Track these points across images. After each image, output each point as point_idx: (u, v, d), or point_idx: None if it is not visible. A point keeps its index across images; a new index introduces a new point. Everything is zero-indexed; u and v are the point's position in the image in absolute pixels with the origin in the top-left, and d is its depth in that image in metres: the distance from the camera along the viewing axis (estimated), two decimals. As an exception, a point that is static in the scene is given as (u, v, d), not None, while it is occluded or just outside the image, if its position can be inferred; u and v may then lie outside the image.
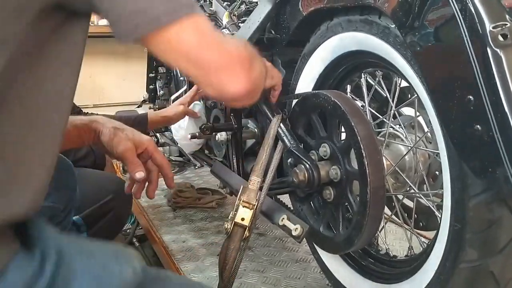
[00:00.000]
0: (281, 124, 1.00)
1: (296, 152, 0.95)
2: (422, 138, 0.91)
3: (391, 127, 0.95)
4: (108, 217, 1.25)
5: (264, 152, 0.97)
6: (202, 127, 1.30)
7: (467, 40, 0.62)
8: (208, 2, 1.77)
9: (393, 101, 0.93)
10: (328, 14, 0.97)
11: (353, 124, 0.81)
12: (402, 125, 0.95)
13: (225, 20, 1.39)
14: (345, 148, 0.87)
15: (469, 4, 0.63)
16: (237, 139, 1.29)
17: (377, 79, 0.96)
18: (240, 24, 1.33)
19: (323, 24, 1.00)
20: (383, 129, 1.01)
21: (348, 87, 1.07)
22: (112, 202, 1.21)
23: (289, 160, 0.99)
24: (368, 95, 0.99)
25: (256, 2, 1.48)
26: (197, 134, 1.44)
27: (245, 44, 0.74)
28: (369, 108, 1.02)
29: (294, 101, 1.06)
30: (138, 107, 4.26)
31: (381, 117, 1.01)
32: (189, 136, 1.47)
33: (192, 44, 0.64)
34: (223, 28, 1.38)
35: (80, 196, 1.12)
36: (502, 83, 0.60)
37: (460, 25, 0.63)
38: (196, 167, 1.76)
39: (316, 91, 0.95)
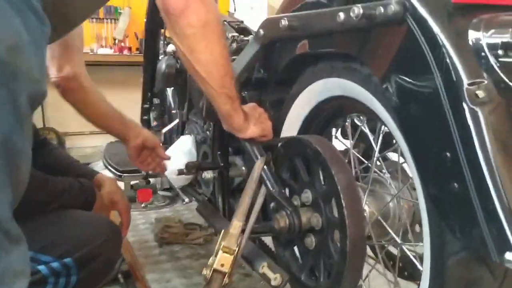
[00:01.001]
0: (265, 167, 0.99)
1: (278, 198, 0.93)
2: (406, 186, 0.90)
3: (376, 172, 0.94)
4: (99, 260, 1.23)
5: (247, 195, 0.96)
6: (188, 165, 1.29)
7: (443, 96, 0.62)
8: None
9: (377, 146, 0.92)
10: (313, 59, 0.98)
11: (333, 173, 0.80)
12: (387, 171, 0.94)
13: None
14: (327, 196, 0.86)
15: (446, 59, 0.63)
16: (223, 178, 1.28)
17: (361, 124, 0.96)
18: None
19: (309, 68, 1.00)
20: (368, 173, 1.00)
21: (334, 130, 1.07)
22: (104, 245, 1.18)
23: (272, 204, 0.97)
24: (353, 138, 0.99)
25: (247, 40, 1.50)
26: (184, 170, 1.43)
27: None
28: (354, 152, 1.01)
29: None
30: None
31: (366, 161, 1.00)
32: (177, 172, 1.46)
33: None
34: None
35: (72, 238, 1.13)
36: (478, 141, 0.59)
37: (437, 81, 0.63)
38: (184, 202, 1.74)
39: (299, 136, 0.94)
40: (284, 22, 0.96)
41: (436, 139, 0.64)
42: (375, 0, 0.74)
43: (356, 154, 1.01)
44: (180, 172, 1.46)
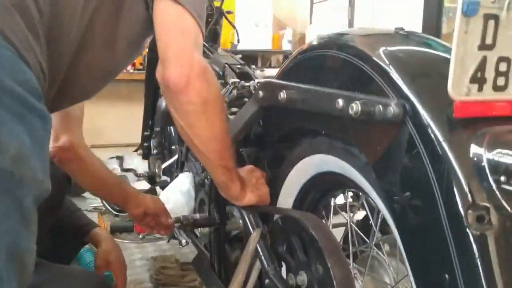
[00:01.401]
0: (260, 240, 0.97)
1: (273, 278, 0.91)
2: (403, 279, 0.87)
3: (374, 256, 0.91)
4: None
5: (241, 270, 0.94)
6: (184, 221, 1.26)
7: (443, 215, 0.59)
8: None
9: (376, 228, 0.90)
10: (312, 131, 0.95)
11: (329, 265, 0.78)
12: (386, 258, 0.91)
13: (214, 108, 1.37)
14: (322, 283, 0.83)
15: (446, 174, 0.60)
16: (220, 234, 1.25)
17: (359, 202, 0.93)
18: (229, 116, 1.31)
19: (308, 139, 0.98)
20: (366, 250, 0.98)
21: (332, 200, 1.04)
22: None
23: (266, 281, 0.94)
24: (352, 214, 0.96)
25: (249, 86, 1.48)
26: (181, 218, 1.41)
27: (209, 72, 0.87)
28: (353, 225, 0.99)
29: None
30: (135, 150, 4.26)
31: (364, 238, 0.97)
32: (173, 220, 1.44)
33: (177, 25, 0.83)
34: None
35: None
36: (480, 267, 0.57)
37: (437, 196, 0.61)
38: (181, 246, 1.71)
39: (296, 215, 0.91)
40: (283, 95, 0.93)
41: (434, 257, 0.61)
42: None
43: (355, 228, 0.99)
44: (177, 221, 1.44)
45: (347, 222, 0.99)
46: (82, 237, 1.48)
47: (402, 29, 0.85)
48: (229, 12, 2.08)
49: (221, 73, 1.62)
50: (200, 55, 0.86)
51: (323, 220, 1.04)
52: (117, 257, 1.41)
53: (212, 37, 2.08)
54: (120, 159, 4.03)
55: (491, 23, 0.59)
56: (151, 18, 0.87)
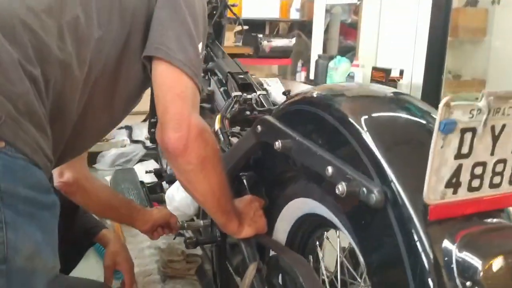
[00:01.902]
0: (257, 274, 1.04)
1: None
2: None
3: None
4: None
5: (238, 302, 1.02)
6: (186, 241, 1.34)
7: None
8: (207, 78, 1.79)
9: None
10: (305, 176, 1.00)
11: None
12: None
13: (216, 125, 1.41)
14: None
15: (419, 264, 0.66)
16: (221, 251, 1.33)
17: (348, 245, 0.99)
18: (231, 138, 1.35)
19: (301, 181, 1.02)
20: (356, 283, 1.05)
21: (325, 233, 1.10)
22: None
23: (261, 313, 1.03)
24: (343, 253, 1.03)
25: (250, 99, 1.51)
26: (185, 225, 1.49)
27: (206, 132, 0.91)
28: (344, 260, 1.05)
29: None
30: (144, 120, 4.30)
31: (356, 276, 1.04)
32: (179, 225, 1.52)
33: (175, 89, 0.87)
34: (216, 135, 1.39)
35: None
36: None
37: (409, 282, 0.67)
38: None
39: (286, 257, 0.98)
40: (279, 145, 0.97)
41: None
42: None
43: (346, 263, 1.05)
44: (182, 228, 1.53)
45: (337, 255, 1.05)
46: (91, 238, 1.57)
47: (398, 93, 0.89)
48: (234, 5, 2.07)
49: (224, 81, 1.64)
50: (197, 116, 0.90)
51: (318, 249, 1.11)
52: (124, 258, 1.50)
53: (216, 30, 2.08)
54: (129, 129, 4.09)
55: (468, 135, 0.62)
56: (148, 77, 0.90)
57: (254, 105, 1.48)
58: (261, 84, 1.67)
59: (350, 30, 4.14)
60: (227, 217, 1.03)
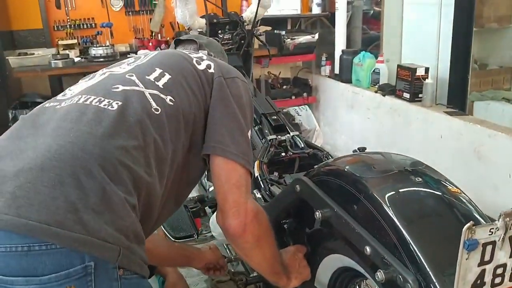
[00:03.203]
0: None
1: None
2: None
3: None
4: None
5: None
6: (237, 282, 1.48)
7: None
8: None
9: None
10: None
11: None
12: None
13: (256, 171, 1.53)
14: None
15: None
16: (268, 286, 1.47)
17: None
18: (271, 187, 1.46)
19: (339, 239, 1.14)
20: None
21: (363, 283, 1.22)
22: None
23: None
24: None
25: (285, 140, 1.62)
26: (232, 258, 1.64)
27: (260, 213, 1.05)
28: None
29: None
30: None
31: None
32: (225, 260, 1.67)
33: (231, 179, 1.01)
34: (254, 188, 1.50)
35: None
36: None
37: None
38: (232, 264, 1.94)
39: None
40: (318, 215, 1.09)
41: None
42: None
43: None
44: (229, 260, 1.67)
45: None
46: (151, 270, 1.74)
47: (421, 164, 0.99)
48: (260, 35, 2.15)
49: (258, 121, 1.75)
50: (252, 201, 1.05)
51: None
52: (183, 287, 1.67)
53: (245, 58, 2.17)
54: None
55: (489, 247, 0.72)
56: (207, 164, 1.05)
57: (289, 147, 1.59)
58: (293, 119, 1.76)
59: (373, 20, 4.14)
60: (278, 276, 1.17)
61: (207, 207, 2.21)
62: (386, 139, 3.46)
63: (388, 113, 3.39)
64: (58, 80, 3.72)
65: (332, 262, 1.22)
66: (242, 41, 2.12)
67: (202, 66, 1.08)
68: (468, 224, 0.69)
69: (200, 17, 2.07)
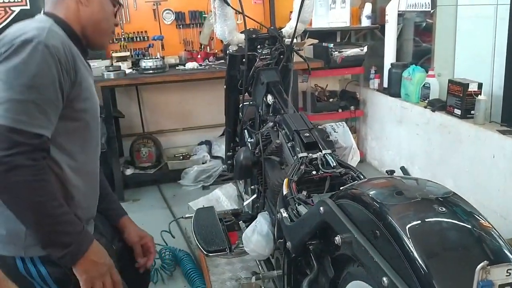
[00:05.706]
0: None
1: None
2: None
3: None
4: None
5: None
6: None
7: None
8: (275, 129, 1.89)
9: None
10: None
11: None
12: None
13: (285, 189, 1.50)
14: None
15: None
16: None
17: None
18: (298, 207, 1.43)
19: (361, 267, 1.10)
20: None
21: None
22: None
23: None
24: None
25: (316, 159, 1.59)
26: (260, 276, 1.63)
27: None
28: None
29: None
30: (221, 135, 4.53)
31: None
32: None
33: None
34: (282, 206, 1.48)
35: None
36: None
37: None
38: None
39: None
40: (338, 240, 1.06)
41: None
42: None
43: None
44: (257, 278, 1.66)
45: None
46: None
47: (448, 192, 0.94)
48: (300, 50, 2.14)
49: (290, 137, 1.73)
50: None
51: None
52: (146, 233, 1.66)
53: (284, 73, 2.17)
54: (208, 144, 4.32)
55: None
56: None
57: (320, 165, 1.55)
58: (328, 136, 1.73)
59: (426, 33, 4.00)
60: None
61: (241, 221, 2.22)
62: (434, 157, 3.32)
63: (437, 129, 3.25)
64: (111, 91, 3.87)
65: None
66: (281, 56, 2.12)
67: None
68: (482, 264, 0.64)
69: (240, 32, 2.09)
